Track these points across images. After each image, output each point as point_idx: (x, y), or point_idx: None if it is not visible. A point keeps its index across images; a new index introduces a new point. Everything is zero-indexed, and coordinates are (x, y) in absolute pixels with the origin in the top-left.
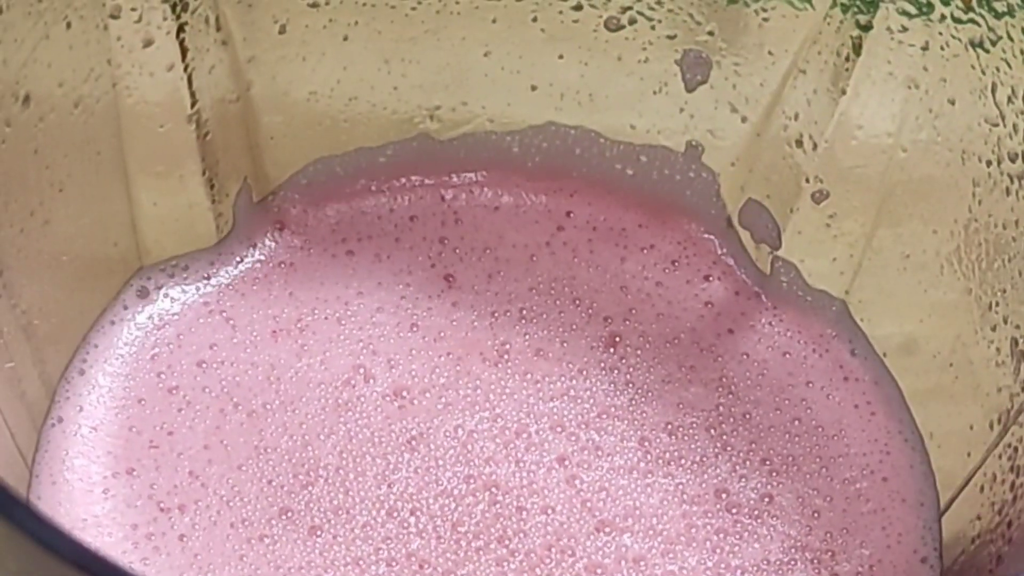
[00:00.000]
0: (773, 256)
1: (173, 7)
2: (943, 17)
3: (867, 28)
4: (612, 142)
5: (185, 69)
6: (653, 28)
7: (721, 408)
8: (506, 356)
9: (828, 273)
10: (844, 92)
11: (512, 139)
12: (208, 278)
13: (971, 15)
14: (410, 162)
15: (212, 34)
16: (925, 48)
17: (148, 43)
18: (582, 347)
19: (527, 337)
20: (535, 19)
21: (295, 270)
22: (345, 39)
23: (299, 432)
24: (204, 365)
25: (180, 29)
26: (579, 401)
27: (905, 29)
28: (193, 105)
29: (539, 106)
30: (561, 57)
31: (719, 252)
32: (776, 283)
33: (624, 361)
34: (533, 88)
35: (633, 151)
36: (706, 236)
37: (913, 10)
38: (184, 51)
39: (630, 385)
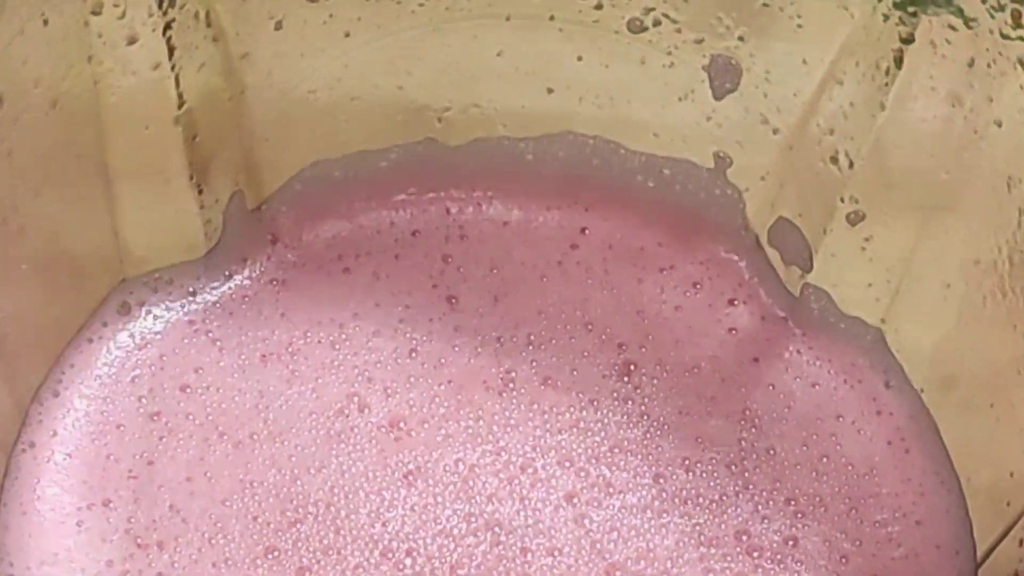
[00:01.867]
0: (804, 279)
1: (160, 2)
2: (990, 32)
3: (909, 41)
4: (633, 153)
5: (172, 68)
6: (679, 31)
7: (743, 443)
8: (511, 385)
9: (863, 299)
10: (883, 107)
11: (526, 146)
12: (194, 294)
13: (1020, 31)
14: (414, 169)
15: (202, 30)
16: (970, 64)
17: (132, 40)
18: (594, 376)
19: (535, 365)
20: (552, 17)
21: (287, 288)
22: (347, 35)
23: (288, 465)
24: (188, 390)
25: (167, 26)
26: (589, 434)
27: (949, 43)
28: (181, 106)
29: (556, 110)
30: (580, 59)
31: (744, 274)
32: (806, 308)
33: (639, 391)
34: (550, 91)
35: (655, 163)
36: (731, 257)
37: (959, 24)
38: (171, 49)
39: (645, 417)
